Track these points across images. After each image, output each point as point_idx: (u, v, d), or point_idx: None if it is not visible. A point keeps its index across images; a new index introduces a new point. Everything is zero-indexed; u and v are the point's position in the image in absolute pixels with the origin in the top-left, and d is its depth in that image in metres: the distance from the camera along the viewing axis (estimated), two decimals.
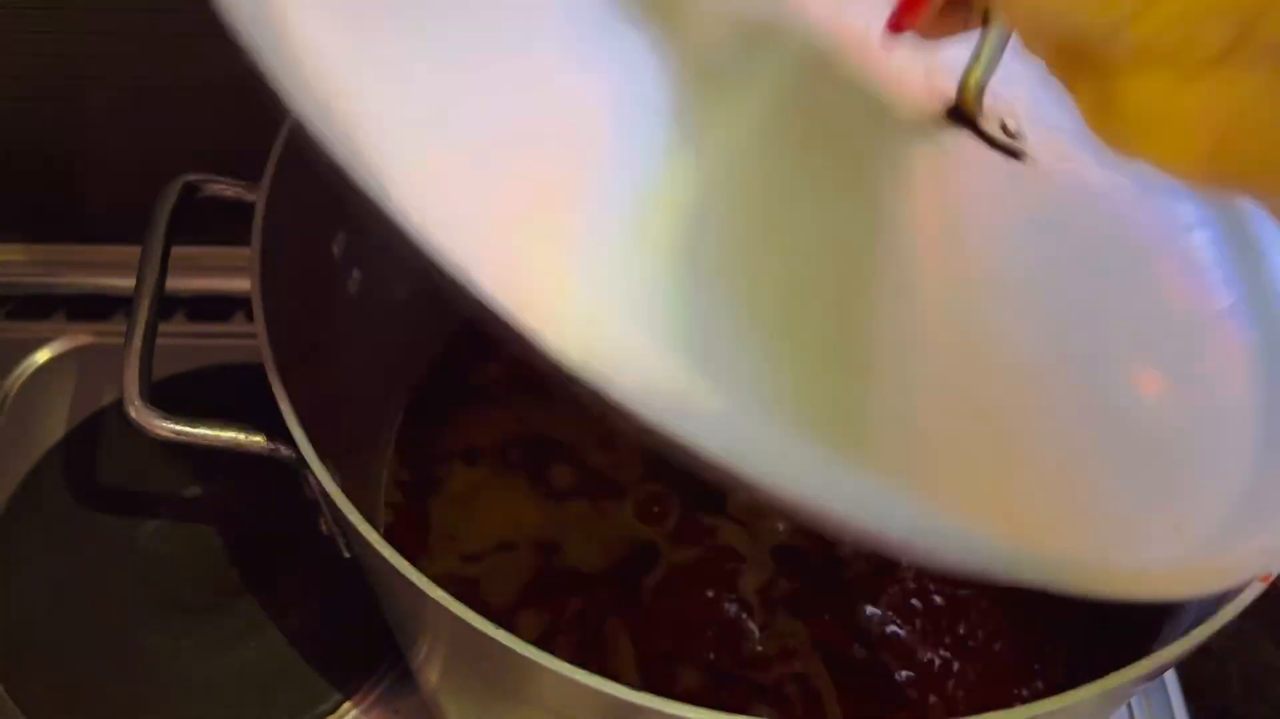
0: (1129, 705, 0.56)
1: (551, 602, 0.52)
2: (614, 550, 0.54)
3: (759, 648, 0.50)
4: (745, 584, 0.52)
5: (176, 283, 0.69)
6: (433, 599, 0.31)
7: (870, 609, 0.51)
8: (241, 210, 0.44)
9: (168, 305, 0.69)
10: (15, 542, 0.59)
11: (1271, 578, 0.32)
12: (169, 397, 0.63)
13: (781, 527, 0.54)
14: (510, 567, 0.53)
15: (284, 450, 0.38)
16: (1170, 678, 0.57)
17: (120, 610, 0.57)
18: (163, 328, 0.67)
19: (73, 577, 0.58)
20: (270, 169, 0.42)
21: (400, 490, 0.55)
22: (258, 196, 0.41)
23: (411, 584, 0.32)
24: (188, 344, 0.68)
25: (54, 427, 0.65)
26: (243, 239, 0.41)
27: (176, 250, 0.68)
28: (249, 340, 0.39)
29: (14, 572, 0.58)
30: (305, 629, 0.56)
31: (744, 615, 0.51)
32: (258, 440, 0.38)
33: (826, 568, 0.53)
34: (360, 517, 0.33)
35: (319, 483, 0.35)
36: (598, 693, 0.30)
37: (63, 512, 0.61)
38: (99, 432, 0.64)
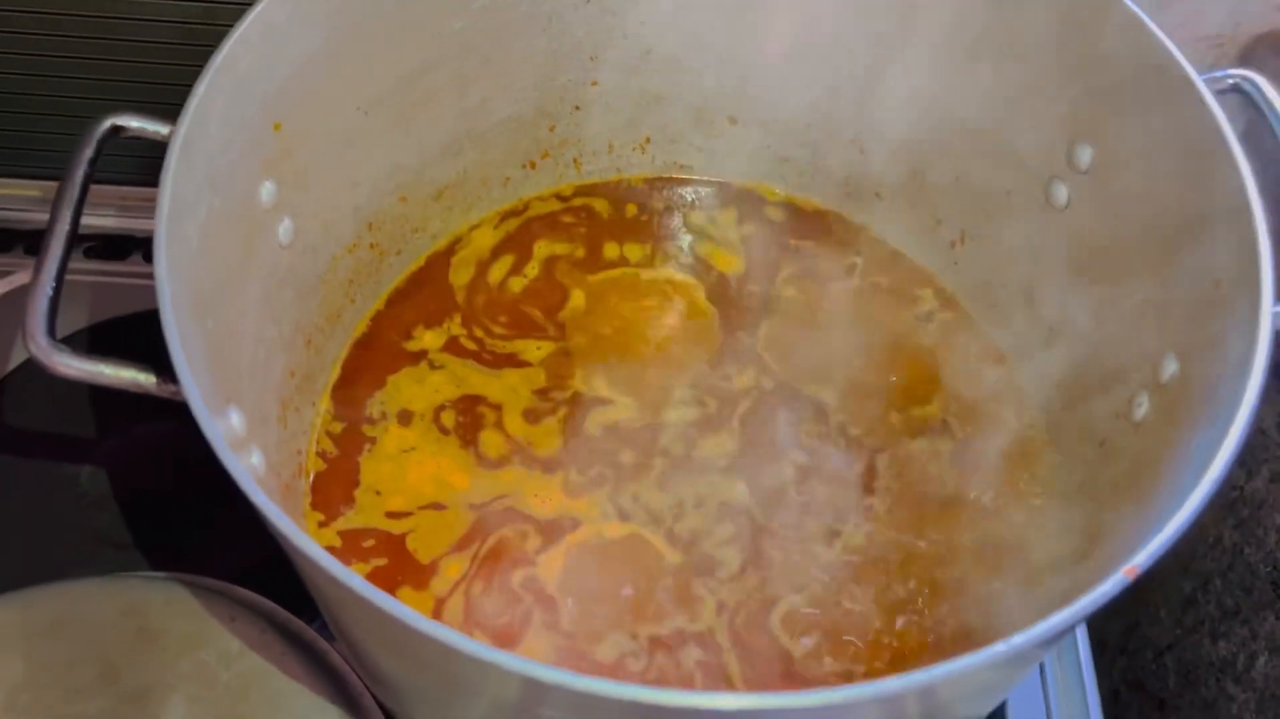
0: (1040, 666, 0.56)
1: (476, 549, 0.52)
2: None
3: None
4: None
5: (121, 222, 0.70)
6: (300, 548, 0.32)
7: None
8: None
9: (114, 245, 0.70)
10: None
11: (1136, 571, 0.33)
12: (109, 338, 0.65)
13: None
14: (440, 524, 0.53)
15: (182, 393, 0.38)
16: (1081, 638, 0.57)
17: (57, 547, 0.58)
18: (110, 267, 0.69)
19: (15, 510, 0.59)
20: (191, 107, 0.42)
21: (332, 441, 0.56)
22: (172, 134, 0.41)
23: (282, 533, 0.32)
24: (145, 284, 0.68)
25: (3, 360, 0.65)
26: None
27: (140, 191, 0.70)
28: None
29: None
30: (235, 569, 0.56)
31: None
32: (152, 381, 0.38)
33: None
34: (236, 461, 0.34)
35: (203, 427, 0.35)
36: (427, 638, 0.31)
37: (7, 443, 0.61)
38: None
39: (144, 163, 0.59)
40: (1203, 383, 0.42)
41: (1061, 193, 0.53)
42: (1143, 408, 0.46)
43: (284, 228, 0.51)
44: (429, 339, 0.60)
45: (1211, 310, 0.42)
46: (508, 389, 0.58)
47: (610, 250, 0.64)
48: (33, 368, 0.63)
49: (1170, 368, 0.45)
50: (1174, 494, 0.37)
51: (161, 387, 0.38)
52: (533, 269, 0.63)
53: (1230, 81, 0.46)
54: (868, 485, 0.55)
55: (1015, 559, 0.52)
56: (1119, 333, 0.50)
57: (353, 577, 0.32)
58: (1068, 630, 0.32)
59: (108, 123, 0.44)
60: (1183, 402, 0.43)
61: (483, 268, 0.62)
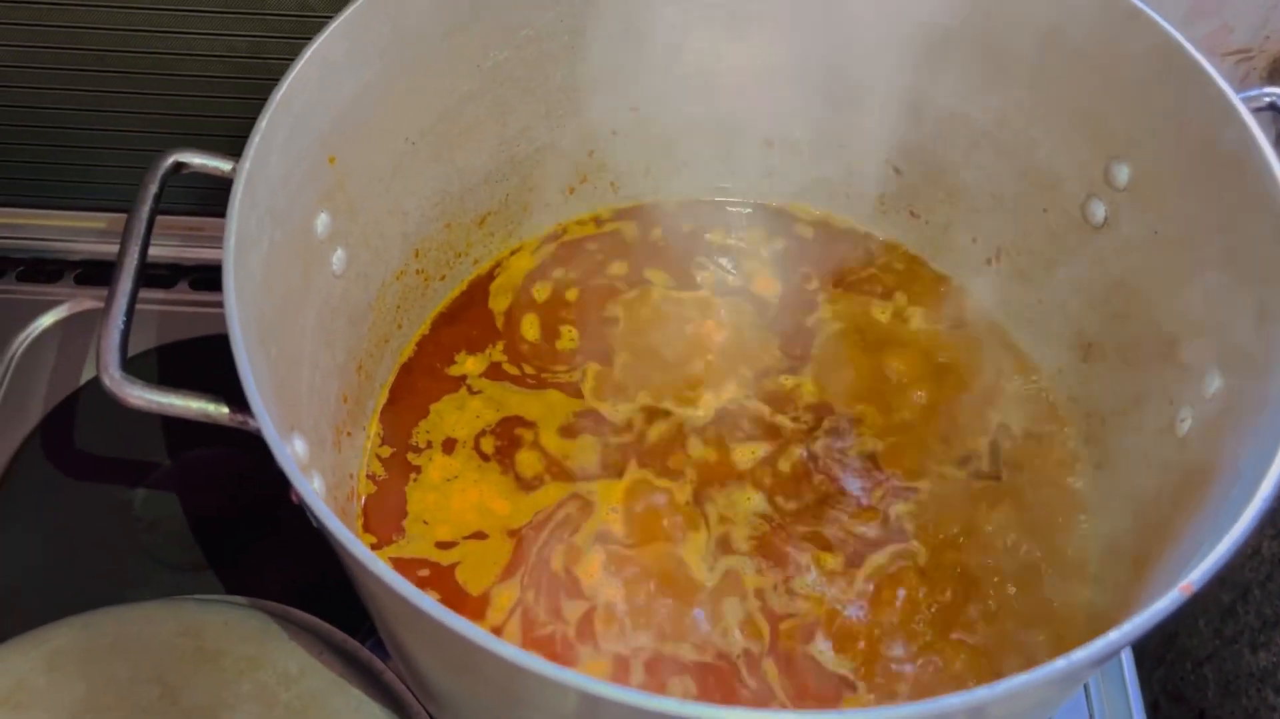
0: (1085, 687, 0.57)
1: (521, 574, 0.53)
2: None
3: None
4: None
5: (184, 252, 0.71)
6: (371, 570, 0.33)
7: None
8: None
9: (163, 273, 0.71)
10: (18, 498, 0.62)
11: (1191, 588, 0.33)
12: (169, 363, 0.66)
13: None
14: (484, 554, 0.54)
15: (251, 423, 0.39)
16: (1125, 651, 0.58)
17: (114, 569, 0.59)
18: (158, 295, 0.70)
19: (72, 534, 0.60)
20: (254, 143, 0.44)
21: (381, 464, 0.57)
22: (236, 171, 0.42)
23: (353, 556, 0.33)
24: (192, 312, 0.70)
25: (59, 388, 0.67)
26: None
27: (184, 220, 0.71)
28: None
29: (16, 526, 0.60)
30: (289, 591, 0.57)
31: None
32: (223, 412, 0.39)
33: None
34: (310, 489, 0.35)
35: (277, 455, 0.36)
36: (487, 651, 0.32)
37: (64, 471, 0.63)
38: (102, 395, 0.66)
39: (191, 193, 0.61)
40: (1248, 398, 0.42)
41: (1099, 211, 0.54)
42: (1187, 423, 0.47)
43: (337, 257, 0.52)
44: (470, 364, 0.61)
45: (1255, 327, 0.43)
46: (545, 408, 0.59)
47: (647, 272, 0.65)
48: (85, 396, 0.66)
49: (1214, 383, 0.45)
50: (1223, 510, 0.38)
51: (232, 416, 0.39)
52: (569, 293, 0.64)
53: (1267, 99, 0.47)
54: (907, 500, 0.56)
55: (1062, 576, 0.53)
56: (1160, 348, 0.50)
57: (424, 598, 0.33)
58: (1123, 647, 0.33)
59: (170, 159, 0.46)
60: (1228, 417, 0.43)
61: (520, 293, 0.64)
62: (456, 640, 0.33)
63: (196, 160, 0.46)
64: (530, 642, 0.51)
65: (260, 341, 0.41)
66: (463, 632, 0.33)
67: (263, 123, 0.44)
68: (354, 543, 0.34)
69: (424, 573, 0.53)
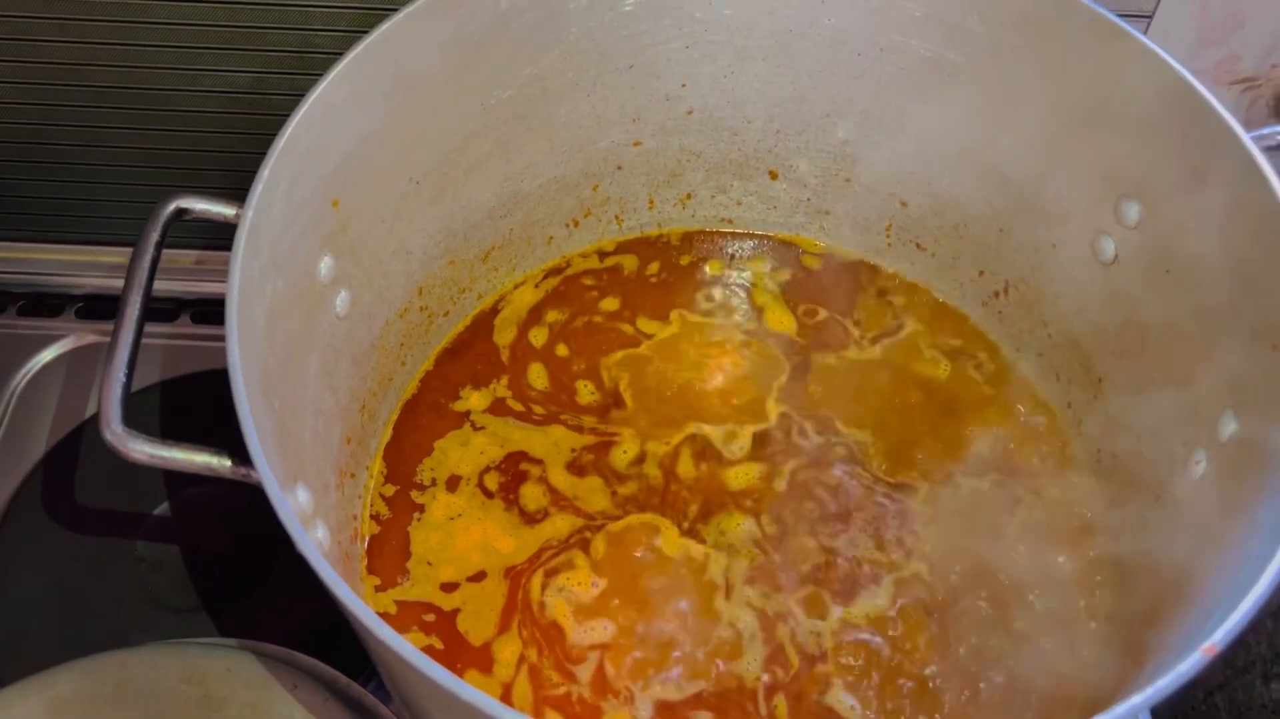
0: None
1: (524, 625, 0.53)
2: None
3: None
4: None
5: (187, 285, 0.71)
6: (379, 636, 0.32)
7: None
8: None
9: (177, 307, 0.71)
10: (19, 537, 0.61)
11: (1215, 649, 0.32)
12: (170, 400, 0.66)
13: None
14: (482, 598, 0.53)
15: (254, 475, 0.38)
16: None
17: (116, 611, 0.58)
18: (158, 329, 0.69)
19: (73, 574, 0.60)
20: (257, 191, 0.43)
21: (385, 503, 0.56)
22: (239, 219, 0.42)
23: (362, 622, 0.32)
24: (193, 346, 0.69)
25: (61, 424, 0.66)
26: None
27: (185, 255, 0.71)
28: None
29: (16, 566, 0.60)
30: (294, 635, 0.57)
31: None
32: (226, 465, 0.38)
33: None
34: (312, 545, 0.34)
35: (280, 513, 0.36)
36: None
37: (66, 507, 0.62)
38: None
39: (192, 227, 0.60)
40: (1265, 445, 0.42)
41: (1109, 247, 0.53)
42: (1201, 466, 0.46)
43: (340, 299, 0.51)
44: (475, 400, 0.60)
45: (1272, 372, 0.42)
46: (550, 444, 0.58)
47: (649, 304, 0.64)
48: (87, 432, 0.65)
49: (1229, 427, 0.44)
50: (1243, 564, 0.37)
51: (235, 470, 0.39)
52: (572, 326, 0.63)
53: (1279, 139, 0.47)
54: (914, 536, 0.55)
55: (1071, 617, 0.52)
56: (1172, 388, 0.50)
57: (439, 669, 0.33)
58: (1144, 709, 0.32)
59: (172, 205, 0.45)
60: (1246, 463, 0.43)
61: (524, 328, 0.63)
62: (470, 710, 0.33)
63: (199, 206, 0.45)
64: (542, 700, 0.50)
65: (264, 394, 0.41)
66: (479, 704, 0.32)
67: (265, 170, 0.43)
68: (364, 611, 0.34)
69: (429, 618, 0.53)
